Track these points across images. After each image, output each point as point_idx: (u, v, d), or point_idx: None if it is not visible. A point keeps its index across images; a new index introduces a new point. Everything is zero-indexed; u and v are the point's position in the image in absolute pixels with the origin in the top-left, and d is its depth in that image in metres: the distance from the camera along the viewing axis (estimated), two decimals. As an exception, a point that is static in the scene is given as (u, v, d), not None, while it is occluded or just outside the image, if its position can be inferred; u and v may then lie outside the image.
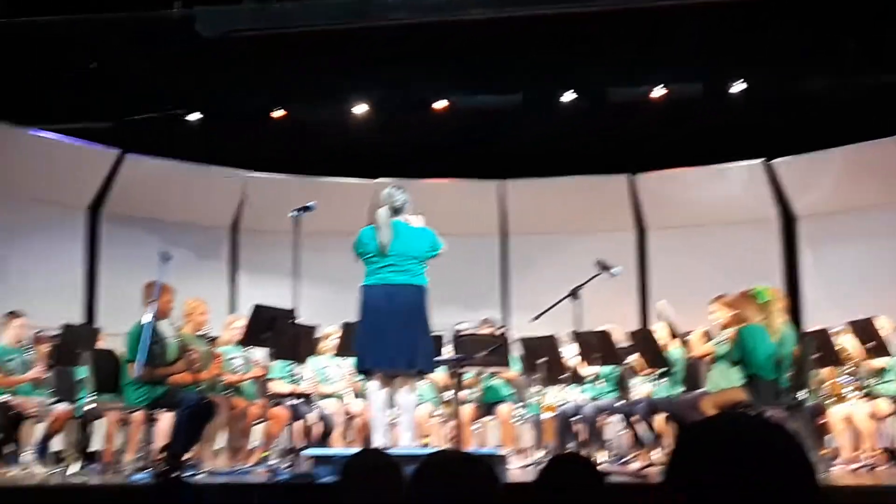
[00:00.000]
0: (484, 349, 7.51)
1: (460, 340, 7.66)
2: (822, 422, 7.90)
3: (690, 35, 9.59)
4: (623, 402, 8.40)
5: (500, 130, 11.23)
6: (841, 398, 7.89)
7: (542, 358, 7.98)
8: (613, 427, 8.82)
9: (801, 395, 6.71)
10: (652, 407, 7.80)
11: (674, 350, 8.01)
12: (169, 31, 9.65)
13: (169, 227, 10.84)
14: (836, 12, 8.94)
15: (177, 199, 11.06)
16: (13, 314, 7.96)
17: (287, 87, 10.67)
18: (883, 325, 7.79)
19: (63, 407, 7.67)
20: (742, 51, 9.86)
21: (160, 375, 6.68)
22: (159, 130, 10.83)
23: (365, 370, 6.33)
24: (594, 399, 8.33)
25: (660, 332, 8.14)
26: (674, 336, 7.70)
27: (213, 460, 7.18)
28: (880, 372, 7.86)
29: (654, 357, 7.79)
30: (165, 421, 7.16)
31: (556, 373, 8.19)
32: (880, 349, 7.64)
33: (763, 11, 9.02)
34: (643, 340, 7.96)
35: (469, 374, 8.20)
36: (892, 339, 7.87)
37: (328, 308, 8.78)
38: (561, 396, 8.67)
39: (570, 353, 8.30)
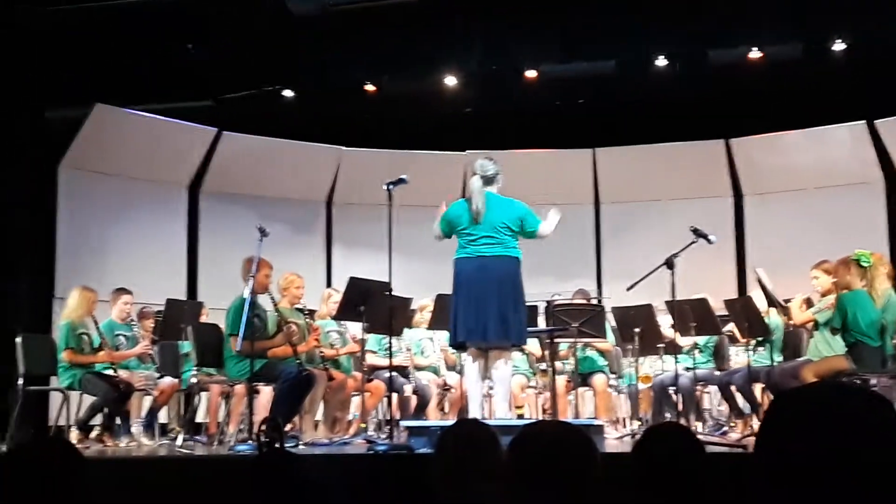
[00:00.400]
0: (578, 320, 7.48)
1: (554, 311, 7.64)
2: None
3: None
4: (721, 371, 8.28)
5: (593, 98, 11.11)
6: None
7: (638, 328, 7.91)
8: (711, 397, 8.71)
9: (908, 362, 6.52)
10: (750, 376, 7.67)
11: (773, 318, 7.85)
12: (262, 8, 9.80)
13: (265, 202, 11.05)
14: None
15: (273, 176, 11.25)
16: (120, 291, 8.23)
17: (378, 61, 10.72)
18: None
19: (168, 380, 7.93)
20: (841, 9, 9.54)
21: (260, 349, 6.83)
22: (254, 108, 11.02)
23: (459, 343, 6.37)
24: (691, 369, 8.22)
25: (758, 299, 7.99)
26: (771, 304, 7.54)
27: (312, 432, 7.33)
28: None
29: (753, 325, 7.65)
30: (266, 394, 7.35)
31: (651, 343, 8.11)
32: None
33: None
34: (741, 309, 7.82)
35: (564, 344, 8.18)
36: None
37: (422, 281, 8.84)
38: (657, 366, 8.59)
39: (665, 323, 8.21)
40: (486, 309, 6.08)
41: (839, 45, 9.94)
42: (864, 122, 10.62)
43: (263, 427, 5.38)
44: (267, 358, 6.96)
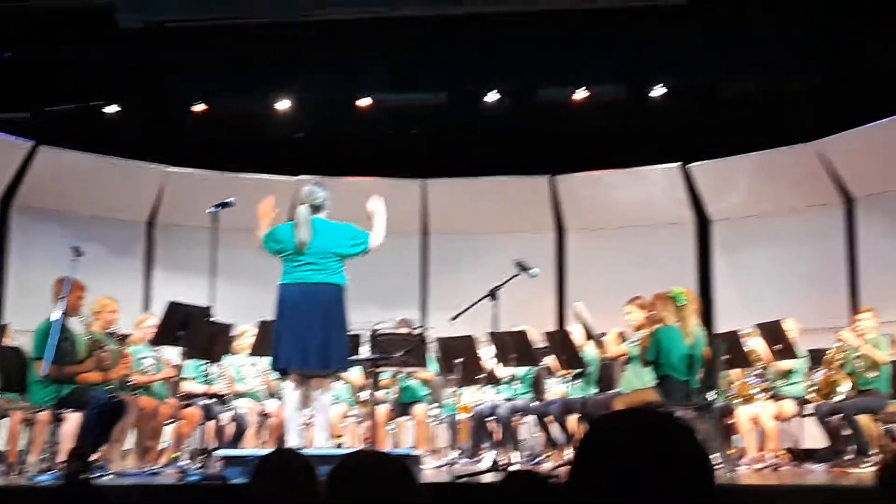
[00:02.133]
0: (401, 349, 7.51)
1: (378, 340, 7.64)
2: (730, 422, 8.08)
3: (613, 38, 9.73)
4: (538, 402, 8.48)
5: (423, 129, 11.24)
6: (749, 399, 8.08)
7: (459, 358, 8.01)
8: (528, 427, 8.89)
9: (711, 395, 6.85)
10: (566, 407, 7.89)
11: (589, 351, 8.11)
12: (89, 19, 9.45)
13: (83, 221, 10.60)
14: (754, 19, 9.15)
15: (91, 193, 10.80)
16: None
17: (209, 81, 10.52)
18: (790, 328, 7.99)
19: (-34, 405, 7.44)
20: (662, 55, 10.03)
21: (68, 374, 6.53)
22: (76, 122, 10.57)
23: (280, 369, 6.28)
24: (509, 400, 8.38)
25: (576, 333, 8.23)
26: (589, 337, 7.79)
27: (121, 461, 7.04)
28: (787, 374, 8.07)
29: (570, 358, 7.88)
30: (73, 421, 7.00)
31: (472, 373, 8.22)
32: (787, 351, 7.84)
33: (682, 18, 9.19)
34: (559, 341, 8.04)
35: (386, 374, 8.19)
36: (799, 341, 8.09)
37: (245, 306, 8.68)
38: (477, 397, 8.71)
39: (487, 354, 8.34)
40: (309, 336, 6.02)
41: (659, 91, 10.44)
42: (679, 164, 11.16)
43: (70, 456, 5.14)
44: (76, 383, 6.65)
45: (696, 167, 11.10)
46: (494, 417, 8.00)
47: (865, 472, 6.66)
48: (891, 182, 10.07)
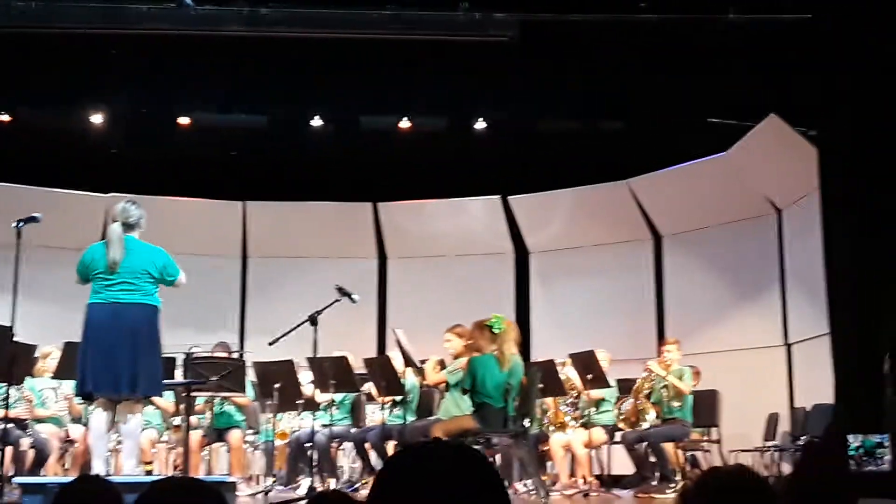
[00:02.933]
0: (218, 373, 7.31)
1: (193, 364, 7.41)
2: (544, 448, 8.28)
3: (438, 70, 9.86)
4: (356, 429, 8.43)
5: (246, 151, 11.04)
6: (562, 426, 8.30)
7: (278, 383, 7.88)
8: (346, 454, 8.82)
9: (527, 422, 6.99)
10: (384, 434, 7.88)
11: (409, 378, 8.13)
12: None
13: None
14: (575, 59, 9.47)
15: None
16: None
17: (17, 90, 9.99)
18: (602, 358, 8.27)
19: None
20: (483, 91, 10.24)
21: None
22: None
23: (86, 393, 5.98)
24: (328, 426, 8.29)
25: (396, 359, 8.24)
26: (408, 364, 7.82)
27: None
28: (598, 402, 8.34)
29: (389, 384, 7.88)
30: None
31: (290, 399, 8.09)
32: (599, 380, 8.10)
33: (506, 54, 9.42)
34: (379, 368, 8.03)
35: (201, 398, 7.95)
36: (610, 371, 8.37)
37: (50, 326, 8.25)
38: (295, 423, 8.58)
39: (306, 379, 8.24)
40: (118, 358, 5.77)
41: (480, 124, 10.65)
42: (499, 196, 11.40)
43: None
44: None
45: (515, 200, 11.37)
46: (312, 444, 7.88)
47: (669, 497, 6.94)
48: (693, 221, 10.63)
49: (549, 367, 7.95)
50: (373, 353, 9.91)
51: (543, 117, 10.73)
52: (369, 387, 8.28)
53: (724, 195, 10.19)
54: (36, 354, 7.79)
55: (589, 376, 8.07)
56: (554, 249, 11.48)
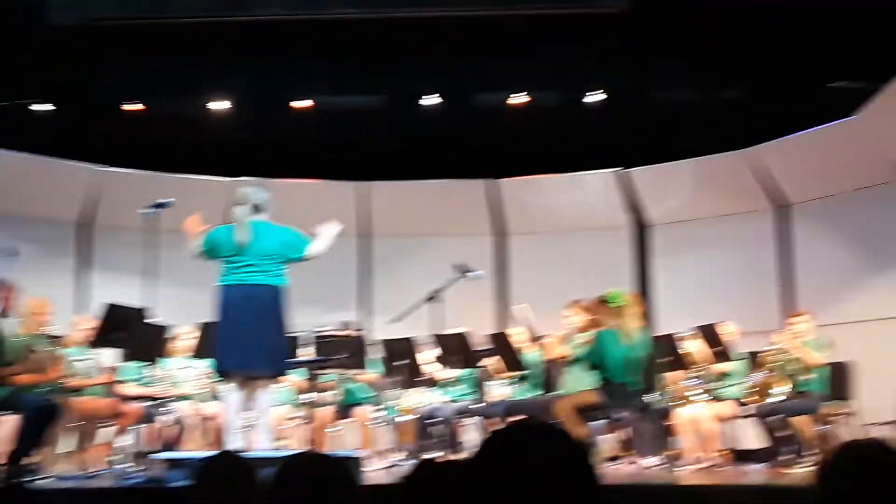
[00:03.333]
0: (343, 351, 7.46)
1: (319, 342, 7.59)
2: (669, 423, 8.18)
3: (551, 44, 9.79)
4: (481, 404, 8.49)
5: (362, 132, 11.19)
6: (687, 401, 8.19)
7: (402, 360, 7.99)
8: (471, 429, 8.89)
9: (652, 397, 6.92)
10: (509, 409, 7.90)
11: (531, 353, 8.14)
12: (20, 16, 9.24)
13: (11, 221, 10.35)
14: (691, 28, 9.28)
15: (20, 193, 10.55)
16: None
17: (146, 80, 10.36)
18: (728, 331, 8.11)
19: None
20: (598, 63, 10.12)
21: (1, 376, 6.36)
22: (4, 121, 10.32)
23: (221, 372, 6.19)
24: (452, 401, 8.37)
25: (517, 335, 8.25)
26: (531, 339, 7.82)
27: (58, 464, 6.89)
28: (724, 376, 8.19)
29: (512, 360, 7.90)
30: (7, 424, 6.84)
31: (415, 375, 8.21)
32: (725, 354, 7.95)
33: (620, 25, 9.28)
34: (501, 344, 8.06)
35: (328, 376, 8.13)
36: (736, 344, 8.21)
37: (184, 307, 8.55)
38: (419, 399, 8.70)
39: (429, 356, 8.33)
40: (249, 338, 5.95)
41: (595, 97, 10.53)
42: (617, 169, 11.27)
43: (6, 460, 5.01)
44: (9, 386, 6.49)
45: (633, 172, 11.22)
46: (438, 419, 7.98)
47: (802, 472, 6.78)
48: (821, 189, 10.30)
49: (671, 342, 7.85)
50: (494, 329, 9.95)
51: (659, 88, 10.55)
52: (492, 362, 8.32)
53: (853, 161, 9.84)
54: (172, 334, 8.09)
55: (714, 349, 7.93)
56: (674, 222, 11.29)
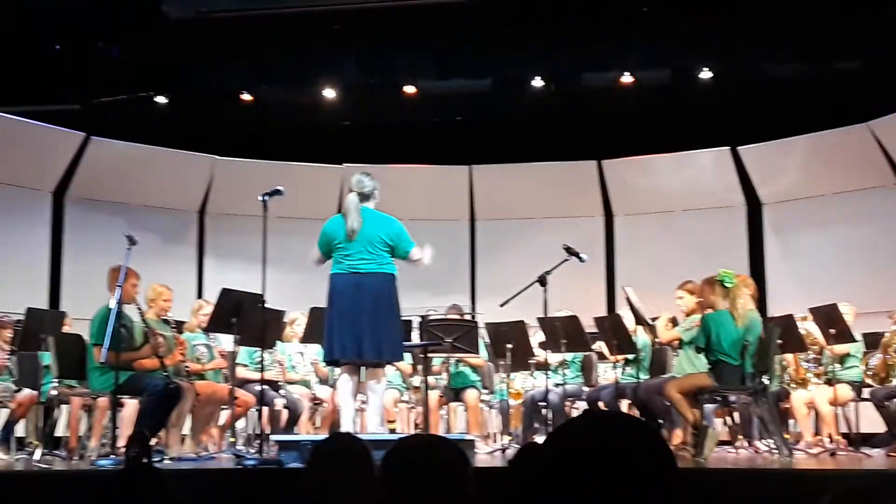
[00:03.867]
0: (452, 335, 7.52)
1: (428, 326, 7.66)
2: (785, 406, 8.00)
3: (657, 22, 9.64)
4: (589, 388, 8.45)
5: (470, 115, 11.23)
6: (804, 383, 7.99)
7: (510, 344, 8.00)
8: (580, 413, 8.86)
9: (766, 380, 6.78)
10: (618, 393, 7.85)
11: (640, 336, 8.05)
12: (136, 10, 9.56)
13: (134, 210, 10.76)
14: (800, 2, 9.03)
15: (143, 183, 10.96)
16: (-24, 299, 7.85)
17: (256, 70, 10.60)
18: (845, 312, 7.87)
19: (26, 393, 7.59)
20: (708, 39, 9.93)
21: (126, 360, 6.62)
22: (126, 113, 10.72)
23: (333, 360, 6.29)
24: (561, 385, 8.36)
25: (626, 317, 8.18)
26: (638, 322, 7.73)
27: (178, 446, 7.14)
28: (843, 358, 7.95)
29: (621, 343, 7.84)
30: (131, 406, 7.13)
31: (523, 358, 8.21)
32: (843, 335, 7.71)
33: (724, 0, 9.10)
34: (610, 326, 8.00)
35: (437, 359, 8.21)
36: (855, 325, 7.96)
37: (295, 293, 8.74)
38: (528, 382, 8.71)
39: (537, 339, 8.33)
40: (360, 326, 6.02)
41: (705, 74, 10.34)
42: (727, 148, 11.04)
43: (129, 441, 5.22)
44: (133, 370, 6.75)
45: (745, 150, 10.98)
46: (546, 403, 7.98)
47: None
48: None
49: (788, 322, 7.66)
50: (602, 312, 9.88)
51: (771, 62, 10.28)
52: (600, 346, 8.27)
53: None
54: (285, 320, 8.27)
55: (832, 330, 7.70)
56: (789, 200, 11.00)
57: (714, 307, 6.70)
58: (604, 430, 1.50)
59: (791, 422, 8.15)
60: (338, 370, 6.39)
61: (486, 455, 7.50)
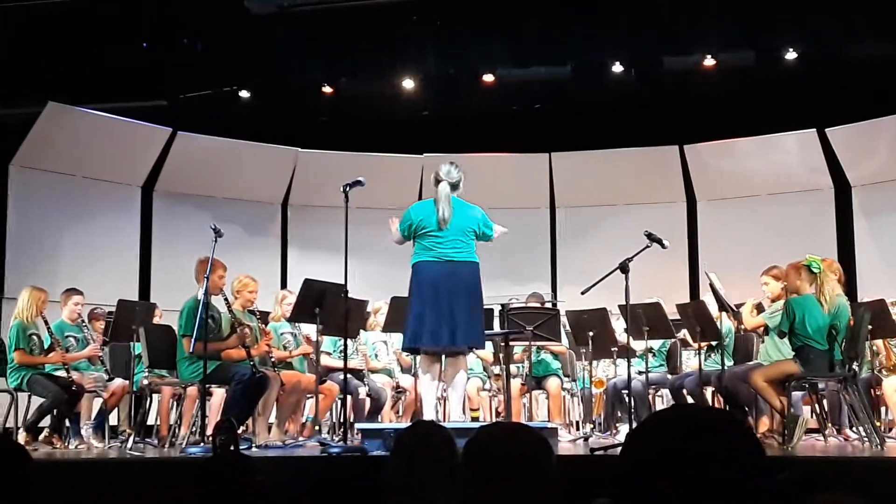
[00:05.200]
0: (533, 323, 7.51)
1: (509, 314, 7.66)
2: (877, 394, 7.81)
3: (739, 3, 9.46)
4: (673, 375, 8.36)
5: (549, 102, 11.18)
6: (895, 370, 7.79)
7: (591, 331, 7.97)
8: (664, 401, 8.79)
9: (856, 366, 6.63)
10: (702, 380, 7.75)
11: (724, 323, 7.93)
12: (220, 7, 9.74)
13: (220, 203, 10.98)
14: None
15: (228, 176, 11.18)
16: (70, 291, 8.10)
17: (336, 63, 10.70)
18: (939, 296, 7.64)
19: (119, 382, 7.83)
20: (793, 19, 9.71)
21: (213, 350, 6.77)
22: (210, 108, 10.94)
23: (418, 348, 6.33)
24: (643, 373, 8.29)
25: (710, 304, 8.06)
26: (722, 308, 7.62)
27: (265, 434, 7.29)
28: (936, 344, 7.73)
29: (705, 330, 7.73)
30: (219, 396, 7.29)
31: (605, 346, 8.17)
32: (937, 320, 7.50)
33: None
34: (693, 313, 7.90)
35: (518, 347, 8.21)
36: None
37: (377, 283, 8.83)
38: (610, 370, 8.66)
39: (619, 327, 8.27)
40: (454, 313, 6.04)
41: (790, 55, 10.11)
42: (814, 130, 10.79)
43: (217, 429, 5.34)
44: (220, 360, 6.90)
45: (833, 132, 10.72)
46: (629, 391, 7.93)
47: None
48: None
49: (879, 307, 7.46)
50: (685, 299, 9.76)
51: (857, 41, 10.01)
52: (684, 332, 8.17)
53: None
54: (367, 310, 8.35)
55: (924, 316, 7.49)
56: (879, 182, 10.71)
57: (799, 292, 6.57)
58: (690, 424, 1.48)
59: (882, 409, 7.95)
60: (420, 358, 6.43)
61: (569, 443, 7.49)
